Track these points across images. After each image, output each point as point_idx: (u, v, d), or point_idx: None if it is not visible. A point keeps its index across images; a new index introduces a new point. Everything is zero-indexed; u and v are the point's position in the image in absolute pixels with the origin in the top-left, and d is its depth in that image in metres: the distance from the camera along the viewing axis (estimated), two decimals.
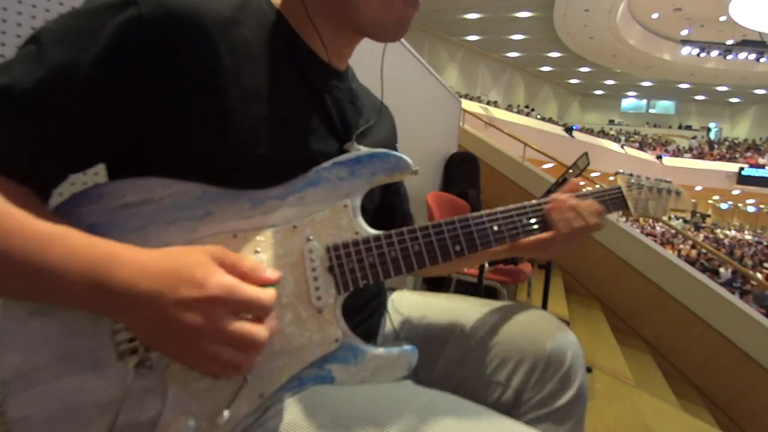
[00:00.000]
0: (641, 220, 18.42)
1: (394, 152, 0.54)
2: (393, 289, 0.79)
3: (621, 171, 0.74)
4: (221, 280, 0.38)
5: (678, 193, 0.77)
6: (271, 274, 0.42)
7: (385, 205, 0.72)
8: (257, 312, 0.39)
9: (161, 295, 0.37)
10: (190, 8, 0.44)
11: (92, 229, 0.43)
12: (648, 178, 0.75)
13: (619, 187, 0.70)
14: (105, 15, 0.42)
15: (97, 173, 0.71)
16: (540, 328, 0.65)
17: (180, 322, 0.36)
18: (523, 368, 0.62)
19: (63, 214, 0.43)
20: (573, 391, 0.60)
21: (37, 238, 0.37)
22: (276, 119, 0.49)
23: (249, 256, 0.47)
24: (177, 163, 0.46)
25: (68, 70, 0.40)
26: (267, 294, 0.40)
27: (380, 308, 0.68)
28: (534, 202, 0.62)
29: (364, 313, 0.63)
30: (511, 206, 0.60)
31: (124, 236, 0.43)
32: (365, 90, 0.72)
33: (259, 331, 0.39)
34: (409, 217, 0.78)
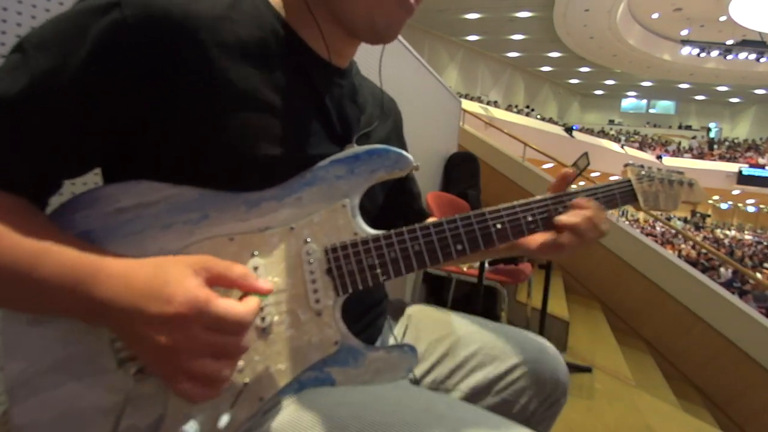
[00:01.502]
0: (641, 219, 18.43)
1: (394, 148, 0.53)
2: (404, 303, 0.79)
3: (631, 162, 0.70)
4: (190, 297, 0.36)
5: (691, 185, 0.73)
6: (263, 284, 0.40)
7: (398, 206, 0.71)
8: (230, 328, 0.37)
9: (133, 312, 0.37)
10: (176, 9, 0.43)
11: (87, 235, 0.43)
12: (659, 170, 0.71)
13: (629, 180, 0.67)
14: (88, 19, 0.41)
15: (97, 173, 0.71)
16: (557, 357, 0.71)
17: (151, 340, 0.36)
18: (540, 395, 0.68)
19: (58, 220, 0.43)
20: (560, 406, 0.71)
21: (26, 255, 0.38)
22: (272, 120, 0.48)
23: (246, 260, 0.47)
24: (173, 165, 0.46)
25: (53, 76, 0.40)
26: (242, 308, 0.38)
27: (384, 313, 0.68)
28: (539, 198, 0.59)
29: (367, 318, 0.62)
30: (516, 203, 0.58)
31: (120, 242, 0.43)
32: (369, 84, 0.70)
33: (232, 341, 0.37)
34: (424, 214, 0.77)
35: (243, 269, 0.41)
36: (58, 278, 0.38)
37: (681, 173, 0.74)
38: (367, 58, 1.22)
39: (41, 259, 0.38)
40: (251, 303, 0.39)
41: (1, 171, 0.40)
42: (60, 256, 0.38)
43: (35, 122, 0.40)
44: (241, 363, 0.45)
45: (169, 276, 0.38)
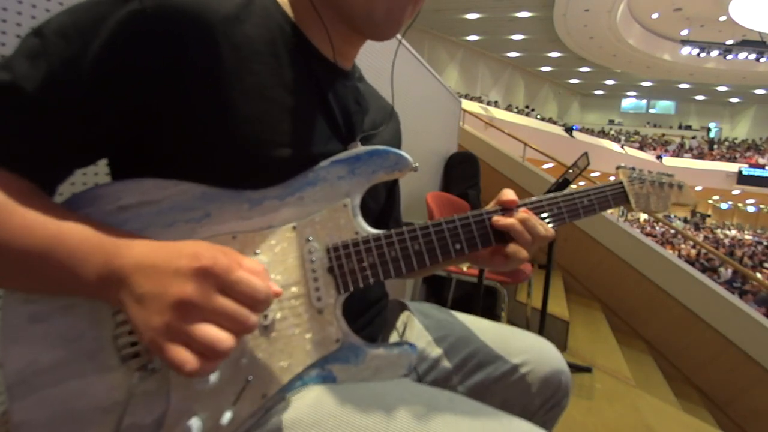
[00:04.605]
0: (641, 220, 18.45)
1: (394, 149, 0.54)
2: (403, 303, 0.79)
3: (623, 165, 0.71)
4: (217, 255, 0.37)
5: (680, 187, 0.75)
6: (273, 285, 0.40)
7: (384, 210, 0.72)
8: (245, 297, 0.37)
9: (160, 266, 0.37)
10: (192, 3, 0.44)
11: None
12: (650, 172, 0.73)
13: (621, 182, 0.69)
14: (107, 8, 0.42)
15: (98, 173, 0.71)
16: (558, 358, 0.72)
17: (170, 292, 0.36)
18: (541, 397, 0.68)
19: None
20: (563, 408, 0.72)
21: (49, 230, 0.39)
22: (278, 118, 0.49)
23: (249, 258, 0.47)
24: (179, 160, 0.46)
25: (72, 65, 0.40)
26: (261, 283, 0.38)
27: (382, 312, 0.68)
28: (534, 199, 0.60)
29: (368, 316, 0.62)
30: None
31: None
32: (373, 91, 0.71)
33: (245, 312, 0.37)
34: (400, 222, 0.78)
35: (261, 265, 0.41)
36: (81, 250, 0.39)
37: (671, 176, 0.75)
38: (374, 62, 1.22)
39: (65, 234, 0.39)
40: (267, 284, 0.39)
41: (17, 157, 0.41)
42: (83, 230, 0.40)
43: (51, 111, 0.41)
44: (244, 360, 0.45)
45: (198, 243, 0.40)
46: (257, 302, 0.38)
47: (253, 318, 0.37)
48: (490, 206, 0.58)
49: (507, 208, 0.57)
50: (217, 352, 0.35)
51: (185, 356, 0.35)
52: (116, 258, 0.39)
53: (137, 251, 0.39)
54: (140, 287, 0.37)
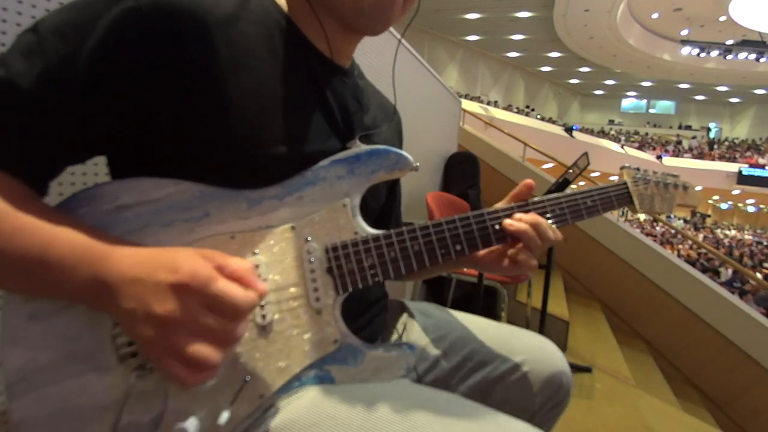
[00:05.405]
0: (641, 220, 18.44)
1: (394, 149, 0.54)
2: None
3: (627, 165, 0.70)
4: (196, 269, 0.37)
5: (685, 188, 0.74)
6: (259, 284, 0.40)
7: (384, 209, 0.71)
8: (227, 310, 0.37)
9: (142, 280, 0.37)
10: (188, 1, 0.44)
11: None
12: (655, 173, 0.71)
13: (625, 182, 0.67)
14: (102, 6, 0.42)
15: (97, 173, 0.71)
16: (559, 357, 0.71)
17: (152, 308, 0.36)
18: (542, 396, 0.68)
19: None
20: (563, 407, 0.72)
21: (39, 237, 0.39)
22: (276, 116, 0.49)
23: (247, 258, 0.47)
24: (178, 160, 0.46)
25: (67, 63, 0.40)
26: (242, 293, 0.37)
27: (382, 313, 0.68)
28: (537, 199, 0.59)
29: (367, 317, 0.62)
30: (513, 204, 0.58)
31: None
32: (374, 89, 0.70)
33: (229, 326, 0.37)
34: (400, 221, 0.77)
35: (247, 263, 0.40)
36: (69, 259, 0.38)
37: (676, 176, 0.74)
38: (374, 61, 1.22)
39: (55, 241, 0.39)
40: (251, 293, 0.38)
41: (12, 157, 0.40)
42: (72, 238, 0.39)
43: (48, 108, 0.40)
44: (242, 360, 0.45)
45: (178, 253, 0.39)
46: (240, 313, 0.37)
47: (237, 330, 0.38)
48: (503, 203, 0.58)
49: (508, 210, 0.57)
50: (206, 367, 0.36)
51: (176, 367, 0.35)
52: (102, 271, 0.38)
53: (120, 263, 0.38)
54: (126, 302, 0.37)
